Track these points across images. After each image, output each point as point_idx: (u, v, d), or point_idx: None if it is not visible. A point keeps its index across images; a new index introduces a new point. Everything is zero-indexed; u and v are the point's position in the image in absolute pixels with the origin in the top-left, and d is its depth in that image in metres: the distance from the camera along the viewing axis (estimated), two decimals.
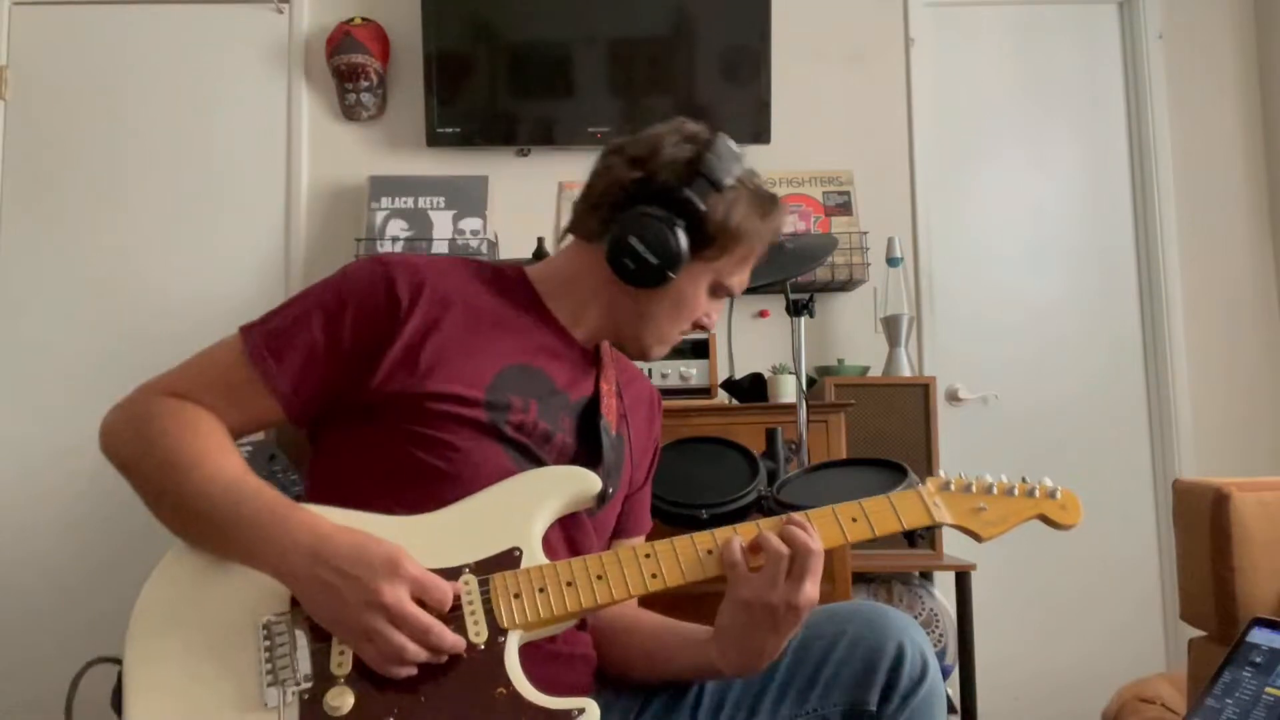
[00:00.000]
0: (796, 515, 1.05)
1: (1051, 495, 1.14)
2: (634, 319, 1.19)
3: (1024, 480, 1.16)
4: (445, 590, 0.95)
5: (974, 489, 1.15)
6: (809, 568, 1.00)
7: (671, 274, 1.13)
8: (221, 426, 1.05)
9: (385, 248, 2.70)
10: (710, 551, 1.05)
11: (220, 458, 1.00)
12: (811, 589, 1.01)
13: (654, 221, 1.12)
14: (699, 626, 1.14)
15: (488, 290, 1.17)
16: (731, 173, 1.14)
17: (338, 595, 0.93)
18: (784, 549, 1.01)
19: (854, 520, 1.10)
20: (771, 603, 1.00)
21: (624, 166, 1.16)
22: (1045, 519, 1.14)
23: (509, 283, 1.20)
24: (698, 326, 1.22)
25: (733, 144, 1.16)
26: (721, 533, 1.06)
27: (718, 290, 1.20)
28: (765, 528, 1.05)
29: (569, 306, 1.20)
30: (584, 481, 1.09)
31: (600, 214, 1.17)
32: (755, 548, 1.03)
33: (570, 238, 1.24)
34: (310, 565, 0.94)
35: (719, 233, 1.14)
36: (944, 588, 2.45)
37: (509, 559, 1.02)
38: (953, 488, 1.15)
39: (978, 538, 1.13)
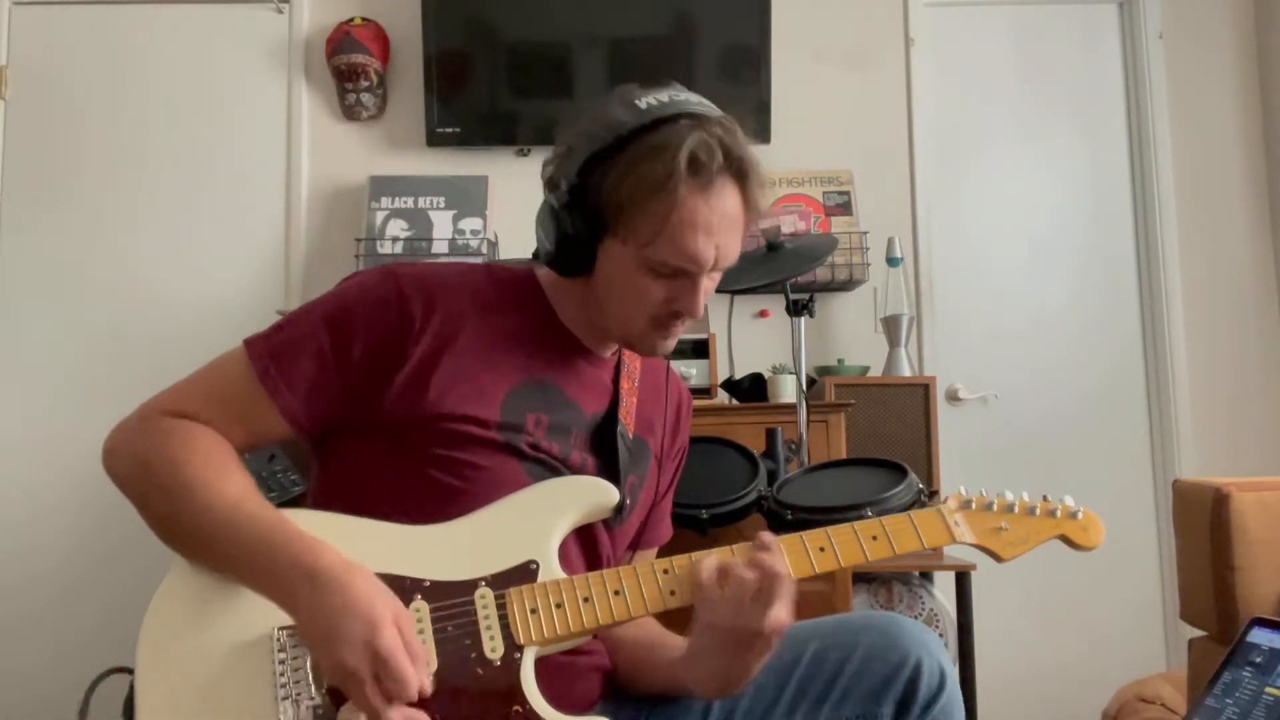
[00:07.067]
0: (766, 538, 1.03)
1: (1073, 516, 1.12)
2: (596, 311, 1.14)
3: (1045, 499, 1.14)
4: (409, 685, 0.89)
5: (995, 508, 1.13)
6: (776, 593, 0.98)
7: (573, 257, 1.09)
8: (224, 443, 1.03)
9: (385, 248, 2.70)
10: None
11: (218, 482, 0.98)
12: (779, 613, 0.98)
13: (546, 208, 1.10)
14: (682, 643, 1.11)
15: (500, 303, 1.14)
16: (600, 139, 1.05)
17: (319, 640, 0.91)
18: (749, 574, 0.99)
19: (874, 539, 1.08)
20: (737, 627, 0.99)
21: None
22: (1066, 540, 1.12)
23: (520, 292, 1.16)
24: (676, 315, 1.10)
25: (618, 110, 1.06)
26: (698, 556, 1.03)
27: (659, 269, 1.06)
28: (738, 554, 1.03)
29: (573, 314, 1.17)
30: (602, 493, 1.08)
31: None
32: (723, 573, 1.01)
33: None
34: (299, 608, 0.92)
35: (604, 207, 1.05)
36: (944, 588, 2.45)
37: (525, 573, 1.01)
38: (974, 506, 1.13)
39: (998, 558, 1.11)
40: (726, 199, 1.06)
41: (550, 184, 1.11)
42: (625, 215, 1.04)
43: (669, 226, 1.03)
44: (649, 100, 1.06)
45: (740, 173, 1.06)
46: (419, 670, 0.90)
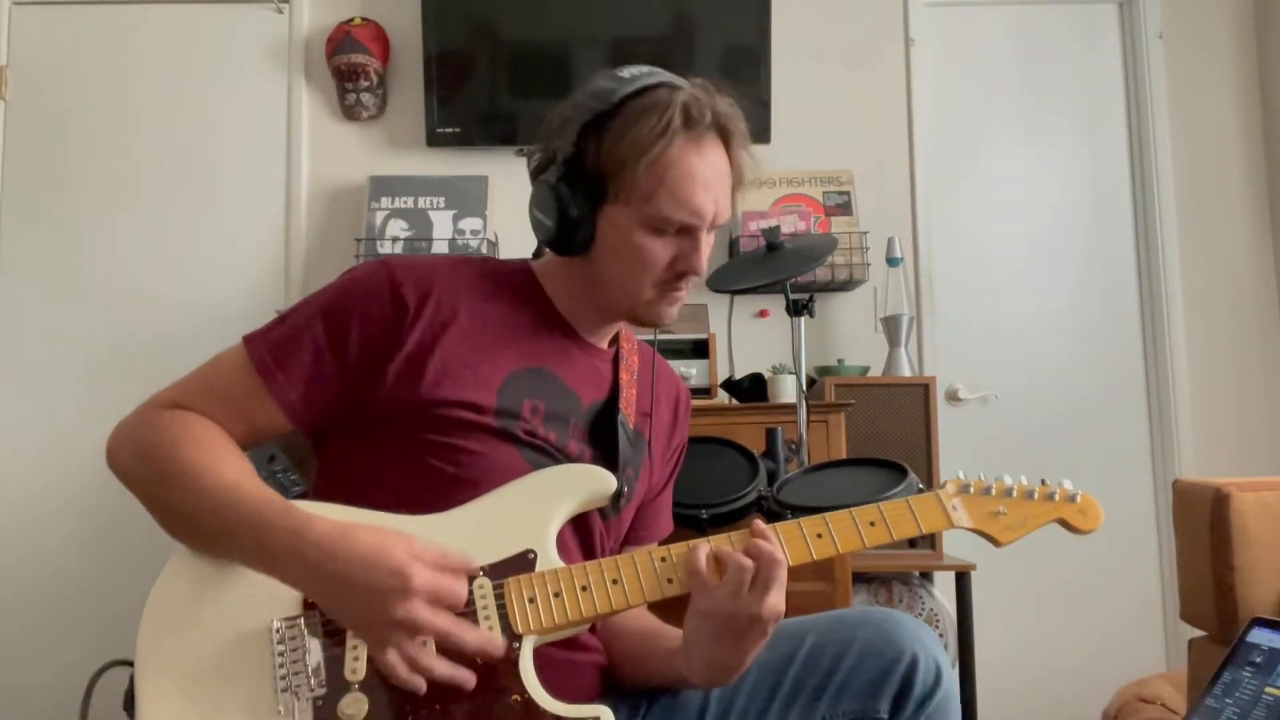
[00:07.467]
0: (760, 525, 1.04)
1: (1071, 499, 1.12)
2: (599, 288, 1.14)
3: (1044, 483, 1.13)
4: (460, 593, 0.92)
5: (993, 491, 1.12)
6: (773, 578, 0.99)
7: (579, 230, 1.10)
8: (222, 432, 1.04)
9: (385, 248, 2.70)
10: None
11: (219, 465, 0.99)
12: (775, 600, 0.99)
13: (542, 186, 1.12)
14: (678, 634, 1.11)
15: (495, 292, 1.14)
16: (591, 108, 1.08)
17: (351, 608, 0.92)
18: (747, 562, 0.99)
19: (871, 524, 1.08)
20: (734, 613, 0.99)
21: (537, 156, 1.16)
22: (1064, 523, 1.12)
23: (516, 283, 1.17)
24: (680, 275, 1.12)
25: (604, 81, 1.09)
26: (695, 543, 1.04)
27: (662, 226, 1.08)
28: (734, 541, 1.03)
29: (570, 302, 1.17)
30: (600, 481, 1.08)
31: None
32: (718, 561, 1.01)
33: None
34: (317, 579, 0.92)
35: (602, 171, 1.07)
36: (944, 588, 2.45)
37: (523, 562, 1.01)
38: (972, 490, 1.12)
39: (996, 542, 1.10)
40: (716, 154, 1.10)
41: (542, 166, 1.13)
42: (624, 174, 1.07)
43: (667, 179, 1.06)
44: (632, 71, 1.10)
45: (725, 131, 1.11)
46: (452, 596, 0.91)
